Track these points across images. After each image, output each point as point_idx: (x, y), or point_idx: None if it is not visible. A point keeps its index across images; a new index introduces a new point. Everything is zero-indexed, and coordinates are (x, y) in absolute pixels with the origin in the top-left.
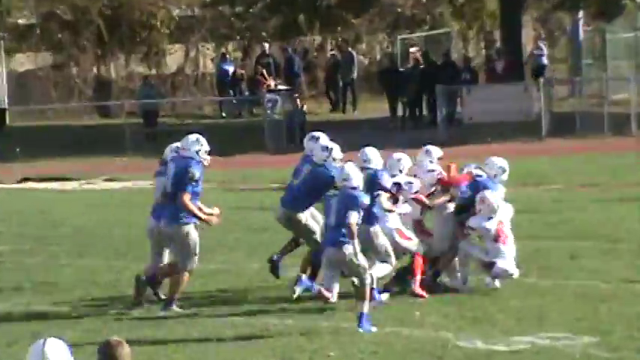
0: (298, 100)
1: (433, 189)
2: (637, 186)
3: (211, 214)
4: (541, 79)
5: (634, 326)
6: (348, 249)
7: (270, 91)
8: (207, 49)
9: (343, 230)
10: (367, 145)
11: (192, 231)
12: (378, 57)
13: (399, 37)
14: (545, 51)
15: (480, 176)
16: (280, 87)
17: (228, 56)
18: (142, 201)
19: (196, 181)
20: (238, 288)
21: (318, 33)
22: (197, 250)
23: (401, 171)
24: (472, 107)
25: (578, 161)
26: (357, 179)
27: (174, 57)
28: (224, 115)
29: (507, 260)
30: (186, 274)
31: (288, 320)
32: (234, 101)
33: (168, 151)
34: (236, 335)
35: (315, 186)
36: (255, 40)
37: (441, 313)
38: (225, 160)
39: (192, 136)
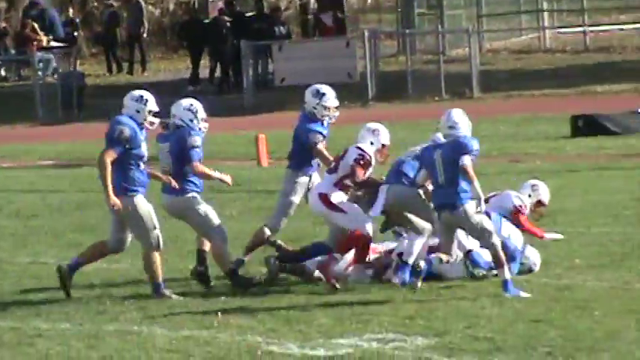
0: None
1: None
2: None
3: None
4: (365, 33)
5: (474, 324)
6: (464, 209)
7: (42, 48)
8: None
9: (457, 187)
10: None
11: (140, 202)
12: (172, 7)
13: None
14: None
15: None
16: (54, 44)
17: None
18: None
19: (127, 140)
20: (2, 289)
21: None
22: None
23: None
24: (284, 67)
25: (411, 129)
26: (466, 126)
27: None
28: None
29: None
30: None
31: (64, 324)
32: None
33: (175, 110)
34: None
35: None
36: None
37: (248, 313)
38: None
39: (136, 92)
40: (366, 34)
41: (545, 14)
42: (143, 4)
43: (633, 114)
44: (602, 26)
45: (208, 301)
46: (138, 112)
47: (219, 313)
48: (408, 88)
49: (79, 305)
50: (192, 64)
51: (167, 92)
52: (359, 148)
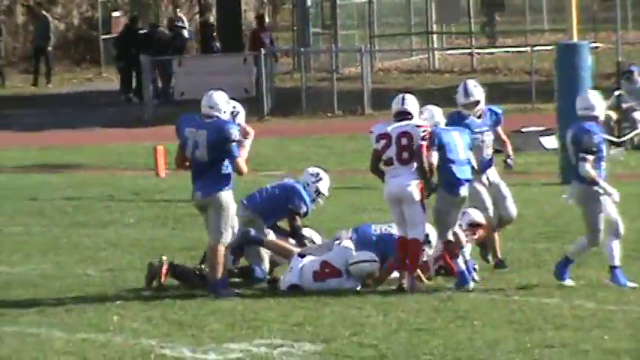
0: None
1: None
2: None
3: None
4: (262, 50)
5: (359, 332)
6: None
7: None
8: None
9: None
10: None
11: (229, 197)
12: (77, 22)
13: None
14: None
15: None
16: None
17: None
18: None
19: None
20: None
21: None
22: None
23: None
24: (184, 81)
25: (305, 144)
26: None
27: None
28: None
29: None
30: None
31: None
32: None
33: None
34: None
35: None
36: None
37: (143, 317)
38: None
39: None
40: (263, 51)
41: (435, 36)
42: (50, 18)
43: (517, 133)
44: (488, 49)
45: (104, 306)
46: (225, 112)
47: (115, 317)
48: (302, 104)
49: None
50: (122, 74)
51: (71, 103)
52: (418, 125)
